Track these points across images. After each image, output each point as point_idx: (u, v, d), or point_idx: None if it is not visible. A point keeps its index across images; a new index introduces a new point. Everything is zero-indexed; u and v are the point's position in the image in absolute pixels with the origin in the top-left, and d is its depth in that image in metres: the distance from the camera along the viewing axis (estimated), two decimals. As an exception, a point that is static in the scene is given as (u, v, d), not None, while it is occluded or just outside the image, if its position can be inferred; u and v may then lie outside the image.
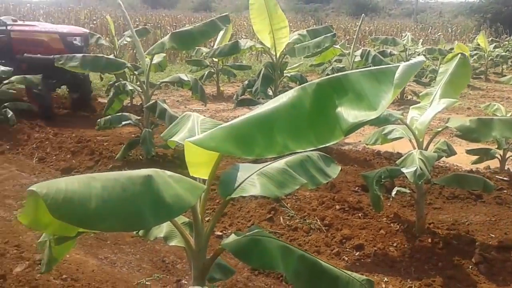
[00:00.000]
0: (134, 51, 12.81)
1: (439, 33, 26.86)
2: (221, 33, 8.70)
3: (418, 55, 10.59)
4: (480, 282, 3.48)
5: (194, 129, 2.38)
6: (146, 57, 5.61)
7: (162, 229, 2.31)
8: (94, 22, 20.83)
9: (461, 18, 37.19)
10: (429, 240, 3.96)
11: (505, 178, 5.48)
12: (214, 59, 10.57)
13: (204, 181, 2.07)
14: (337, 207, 4.53)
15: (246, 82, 7.07)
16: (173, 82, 6.15)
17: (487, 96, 11.73)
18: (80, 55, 5.52)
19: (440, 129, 4.00)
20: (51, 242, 2.03)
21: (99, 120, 5.77)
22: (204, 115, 2.62)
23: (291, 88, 4.77)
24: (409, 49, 11.05)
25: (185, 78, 5.94)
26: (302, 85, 1.74)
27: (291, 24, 6.10)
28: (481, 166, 5.89)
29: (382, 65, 1.75)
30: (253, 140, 1.62)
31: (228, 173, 2.17)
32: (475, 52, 14.98)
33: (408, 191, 4.28)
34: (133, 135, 6.81)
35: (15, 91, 7.13)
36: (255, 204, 4.50)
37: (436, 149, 4.00)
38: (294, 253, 1.94)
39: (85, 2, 34.04)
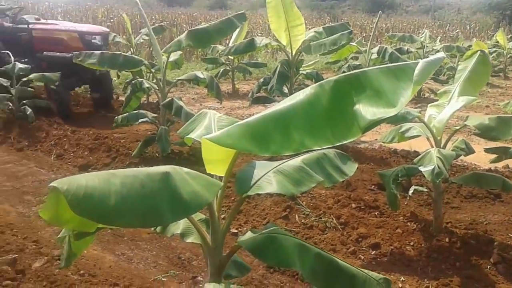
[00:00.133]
0: (151, 49, 12.90)
1: (457, 30, 26.50)
2: (237, 30, 8.69)
3: (436, 52, 10.45)
4: (498, 282, 3.43)
5: (210, 126, 2.39)
6: (162, 55, 5.64)
7: (179, 226, 2.33)
8: (111, 20, 21.01)
9: (480, 15, 36.62)
10: (447, 239, 3.92)
11: (524, 177, 5.39)
12: (229, 56, 10.59)
13: (220, 178, 2.08)
14: (353, 205, 4.51)
15: (262, 79, 7.06)
16: (189, 80, 6.17)
17: (506, 94, 11.55)
18: (99, 52, 5.57)
19: (458, 127, 3.95)
20: (71, 237, 2.05)
21: (116, 117, 5.83)
22: (220, 113, 2.63)
23: (307, 85, 4.75)
24: (427, 46, 10.91)
25: (201, 76, 5.96)
26: (319, 82, 1.73)
27: (306, 22, 6.08)
28: (500, 165, 5.79)
29: (399, 62, 1.73)
30: (270, 137, 1.62)
31: (244, 171, 2.17)
32: (494, 49, 14.73)
33: (426, 190, 4.23)
34: (149, 133, 6.86)
35: (33, 89, 7.24)
36: (270, 202, 4.50)
37: (454, 147, 3.95)
38: (310, 251, 1.94)
39: (102, 0, 34.33)
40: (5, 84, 6.99)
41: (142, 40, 9.97)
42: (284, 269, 3.60)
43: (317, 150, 2.11)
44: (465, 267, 3.61)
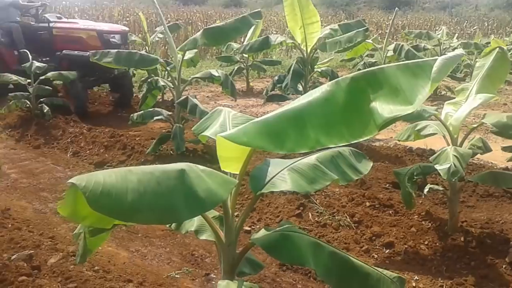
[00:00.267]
0: (166, 48, 12.97)
1: (475, 27, 26.14)
2: (252, 28, 8.69)
3: (453, 49, 10.33)
4: (515, 282, 3.39)
5: (225, 124, 2.39)
6: (178, 53, 5.67)
7: (193, 223, 2.34)
8: (127, 19, 21.15)
9: (498, 11, 36.06)
10: (462, 238, 3.87)
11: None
12: (244, 54, 10.59)
13: (234, 175, 2.08)
14: (367, 204, 4.49)
15: (276, 77, 7.04)
16: (204, 78, 6.19)
17: (524, 92, 11.36)
18: (115, 50, 5.61)
19: (475, 125, 3.90)
20: (86, 234, 2.08)
21: (132, 115, 5.87)
22: (234, 110, 2.63)
23: (321, 83, 4.74)
24: (444, 43, 10.78)
25: (216, 74, 5.97)
26: (336, 79, 1.72)
27: (322, 19, 6.05)
28: (517, 164, 5.72)
29: (416, 59, 1.71)
30: (285, 135, 1.62)
31: (258, 168, 2.17)
32: (512, 46, 14.50)
33: (441, 189, 4.19)
34: (164, 130, 6.90)
35: (52, 88, 7.32)
36: (284, 199, 4.50)
37: (471, 145, 3.90)
38: (324, 249, 1.93)
39: (119, -1, 34.58)
40: (23, 83, 7.09)
41: (157, 39, 10.02)
42: (296, 267, 3.60)
43: (332, 148, 2.11)
44: (480, 266, 3.56)
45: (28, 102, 7.22)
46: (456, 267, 3.60)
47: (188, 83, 6.34)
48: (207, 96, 10.48)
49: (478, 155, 4.58)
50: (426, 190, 4.06)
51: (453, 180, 3.53)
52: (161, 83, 6.08)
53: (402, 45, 7.82)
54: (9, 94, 7.26)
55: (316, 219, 4.26)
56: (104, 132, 6.76)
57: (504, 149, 4.43)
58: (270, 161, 2.23)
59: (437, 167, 3.33)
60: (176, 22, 10.53)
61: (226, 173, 2.03)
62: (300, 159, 2.20)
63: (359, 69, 8.05)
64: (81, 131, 6.91)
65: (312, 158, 2.19)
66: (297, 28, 6.12)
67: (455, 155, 3.33)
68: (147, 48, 10.28)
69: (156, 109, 6.05)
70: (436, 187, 4.16)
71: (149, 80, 6.26)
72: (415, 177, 3.83)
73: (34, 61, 7.13)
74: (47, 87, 7.20)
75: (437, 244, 3.86)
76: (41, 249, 3.50)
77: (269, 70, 12.88)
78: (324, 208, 4.40)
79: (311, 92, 1.73)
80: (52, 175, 5.51)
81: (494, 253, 3.70)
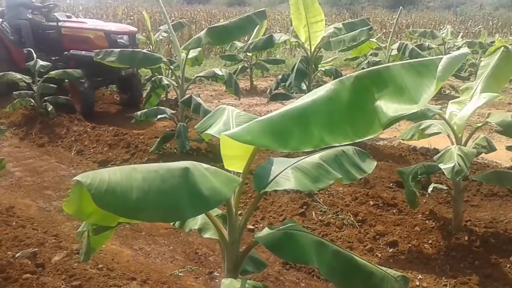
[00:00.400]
0: (170, 46, 12.98)
1: (480, 26, 26.04)
2: (255, 29, 8.67)
3: (458, 48, 10.28)
4: (519, 282, 3.38)
5: (229, 122, 2.39)
6: (182, 52, 5.67)
7: (197, 221, 2.34)
8: (131, 18, 21.20)
9: (503, 10, 35.93)
10: (466, 238, 3.86)
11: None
12: (248, 53, 10.58)
13: (238, 174, 2.08)
14: (371, 203, 4.48)
15: (280, 76, 7.04)
16: (207, 77, 6.19)
17: (529, 91, 11.30)
18: (118, 49, 5.62)
19: (480, 125, 3.88)
20: (90, 232, 2.08)
21: (136, 113, 5.88)
22: (237, 109, 2.63)
23: (325, 82, 4.73)
24: (448, 42, 10.74)
25: (220, 73, 5.97)
26: (340, 78, 1.72)
27: (326, 18, 6.02)
28: (522, 163, 5.69)
29: (420, 58, 1.71)
30: (289, 133, 1.62)
31: (262, 167, 2.17)
32: (517, 45, 14.42)
33: (445, 188, 4.18)
34: (167, 129, 6.91)
35: (55, 86, 7.32)
36: (287, 198, 4.50)
37: (475, 145, 3.89)
38: (328, 248, 1.93)
39: (122, -2, 34.63)
40: (28, 81, 7.11)
41: (161, 37, 10.01)
42: (300, 265, 3.60)
43: (336, 147, 2.11)
44: (484, 266, 3.56)
45: (33, 101, 7.24)
46: (460, 266, 3.59)
47: (192, 81, 6.34)
48: (211, 95, 10.48)
49: (483, 154, 4.57)
50: (430, 189, 4.05)
51: (457, 179, 3.52)
52: (165, 81, 6.08)
53: (406, 44, 7.79)
54: (14, 92, 7.27)
55: (319, 218, 4.26)
56: (108, 131, 6.78)
57: (509, 148, 4.41)
58: (273, 160, 2.23)
59: (441, 166, 3.32)
60: (180, 21, 10.50)
61: (229, 171, 2.03)
62: (304, 158, 2.20)
63: (363, 68, 8.02)
64: (85, 129, 6.93)
65: (315, 157, 2.19)
66: (301, 27, 6.12)
67: (459, 154, 3.32)
68: (151, 47, 10.27)
69: (160, 107, 6.06)
70: (440, 186, 4.15)
71: (153, 79, 6.26)
72: (419, 176, 3.82)
73: (38, 60, 7.14)
74: (51, 85, 7.20)
75: (441, 243, 3.85)
76: (45, 247, 3.51)
77: (273, 69, 12.87)
78: (328, 207, 4.39)
79: (315, 91, 1.73)
80: (56, 173, 5.53)
81: (498, 252, 3.70)
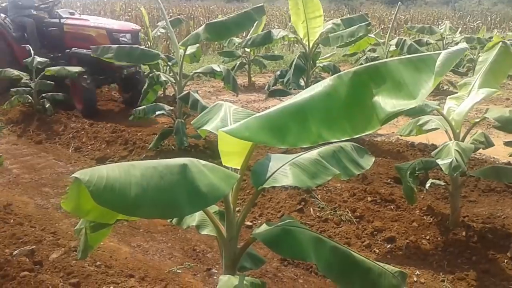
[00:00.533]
0: (168, 42, 12.95)
1: (478, 22, 26.03)
2: (254, 24, 8.65)
3: (456, 44, 10.27)
4: (516, 277, 3.39)
5: (226, 118, 2.38)
6: (180, 48, 5.65)
7: (194, 218, 2.34)
8: (129, 14, 21.13)
9: (501, 6, 35.90)
10: (463, 233, 3.87)
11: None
12: (246, 49, 10.56)
13: (236, 170, 2.07)
14: (369, 199, 4.48)
15: (278, 72, 7.04)
16: (205, 73, 6.18)
17: (527, 87, 11.31)
18: (116, 46, 5.61)
19: (478, 120, 3.88)
20: (87, 229, 2.07)
21: (134, 110, 5.87)
22: (236, 106, 2.62)
23: (324, 78, 4.72)
24: (446, 38, 10.73)
25: (218, 69, 5.95)
26: (338, 74, 1.71)
27: (324, 14, 6.01)
28: (520, 158, 5.70)
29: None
30: (287, 129, 1.61)
31: (260, 163, 2.17)
32: (515, 41, 14.41)
33: (443, 184, 4.18)
34: (165, 126, 6.90)
35: (55, 83, 7.29)
36: (285, 195, 4.50)
37: (473, 140, 3.89)
38: (326, 244, 1.93)
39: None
40: (25, 78, 7.08)
41: (159, 34, 9.98)
42: (298, 262, 3.60)
43: (334, 142, 2.10)
44: (482, 261, 3.57)
45: (30, 98, 7.22)
46: (458, 262, 3.60)
47: (190, 78, 6.32)
48: (209, 91, 10.47)
49: (480, 150, 4.56)
50: (428, 185, 4.05)
51: (455, 175, 3.51)
52: (163, 78, 6.07)
53: (405, 39, 7.78)
54: (11, 89, 7.24)
55: (317, 214, 4.26)
56: (105, 128, 6.76)
57: (507, 144, 4.41)
58: (271, 156, 2.23)
59: (439, 162, 3.32)
60: (178, 17, 10.48)
61: (227, 168, 2.02)
62: (302, 154, 2.19)
63: (361, 64, 8.02)
64: (82, 126, 6.92)
65: (313, 153, 2.18)
66: (299, 23, 6.10)
67: (457, 150, 3.32)
68: (149, 43, 10.25)
69: (158, 104, 6.05)
70: (438, 182, 4.16)
71: (150, 75, 6.25)
72: (417, 172, 3.82)
73: (36, 56, 7.11)
74: (48, 82, 7.18)
75: (439, 239, 3.86)
76: (43, 245, 3.50)
77: (271, 65, 12.84)
78: (326, 203, 4.40)
79: (313, 87, 1.72)
80: (54, 170, 5.52)
81: (496, 248, 3.70)
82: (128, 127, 6.79)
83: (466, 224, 4.00)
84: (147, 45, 10.08)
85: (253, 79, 11.57)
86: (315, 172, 2.05)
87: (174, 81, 5.96)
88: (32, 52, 7.32)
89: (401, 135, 4.31)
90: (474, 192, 4.89)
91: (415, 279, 3.40)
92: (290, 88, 6.37)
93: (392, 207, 4.40)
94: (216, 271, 3.48)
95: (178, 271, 3.45)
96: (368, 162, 2.30)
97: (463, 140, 3.77)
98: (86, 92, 7.64)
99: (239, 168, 2.06)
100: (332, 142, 1.91)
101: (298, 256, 2.13)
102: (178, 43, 5.70)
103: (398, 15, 20.02)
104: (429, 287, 3.33)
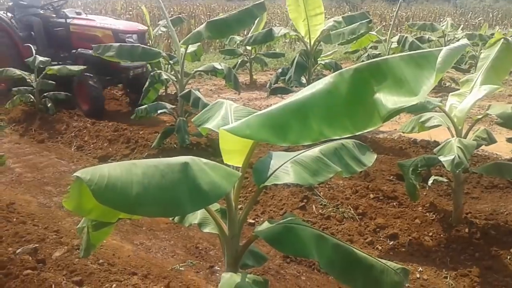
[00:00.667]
0: (169, 41, 12.95)
1: (480, 18, 25.95)
2: (255, 22, 8.64)
3: (457, 41, 10.24)
4: (519, 273, 3.39)
5: (227, 117, 2.38)
6: (181, 47, 5.65)
7: (196, 216, 2.34)
8: (130, 12, 21.13)
9: (503, 2, 35.80)
10: (466, 230, 3.87)
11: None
12: (247, 47, 10.54)
13: (237, 168, 2.08)
14: (371, 196, 4.48)
15: (280, 70, 7.03)
16: (207, 71, 6.17)
17: (529, 83, 11.28)
18: (117, 44, 5.60)
19: (480, 117, 3.87)
20: (89, 228, 2.08)
21: (136, 109, 5.87)
22: (237, 104, 2.62)
23: (325, 76, 4.72)
24: (448, 34, 10.71)
25: (219, 67, 5.95)
26: (339, 71, 1.71)
27: (325, 11, 6.02)
28: (523, 155, 5.69)
29: (420, 51, 1.70)
30: (288, 127, 1.61)
31: (261, 161, 2.17)
32: (518, 37, 14.36)
33: (445, 180, 4.18)
34: (167, 124, 6.90)
35: (54, 82, 7.28)
36: (288, 192, 4.50)
37: (475, 137, 3.88)
38: (328, 241, 1.93)
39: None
40: (27, 78, 7.09)
41: (160, 32, 9.98)
42: (300, 259, 3.60)
43: (336, 140, 2.10)
44: (485, 257, 3.56)
45: (32, 97, 7.23)
46: (460, 258, 3.60)
47: (191, 76, 6.32)
48: (211, 90, 10.46)
49: (483, 147, 4.54)
50: (430, 181, 4.05)
51: (457, 171, 3.51)
52: (164, 76, 6.07)
53: (406, 36, 7.77)
54: (13, 88, 7.24)
55: (320, 211, 4.26)
56: (107, 126, 6.77)
57: (509, 140, 4.40)
58: (273, 154, 2.23)
59: (441, 158, 3.32)
60: (179, 15, 10.47)
61: (228, 166, 2.02)
62: (304, 152, 2.19)
63: (362, 61, 8.01)
64: (84, 125, 6.92)
65: (315, 151, 2.18)
66: (300, 20, 6.09)
67: (459, 147, 3.31)
68: (150, 41, 10.25)
69: (160, 102, 6.05)
70: (440, 178, 4.15)
71: (151, 73, 6.25)
72: (419, 169, 3.82)
73: (37, 56, 7.12)
74: (50, 81, 7.18)
75: (441, 235, 3.86)
76: (46, 243, 3.51)
77: (272, 63, 12.83)
78: (328, 200, 4.40)
79: (314, 84, 1.72)
80: (56, 169, 5.53)
81: (499, 244, 3.70)
82: (130, 125, 6.80)
83: (469, 220, 3.99)
84: (149, 44, 10.07)
85: (254, 77, 11.57)
86: (316, 170, 2.05)
87: (175, 80, 5.96)
88: (34, 51, 7.31)
89: (403, 132, 4.30)
90: (477, 189, 4.88)
91: (418, 275, 3.40)
92: (291, 86, 6.36)
93: (394, 204, 4.40)
94: (218, 268, 3.49)
95: (181, 268, 3.46)
96: (370, 159, 2.30)
97: (465, 137, 3.76)
98: (93, 93, 7.53)
99: (240, 166, 2.06)
100: (333, 140, 1.91)
101: (300, 254, 2.14)
102: (179, 41, 5.70)
103: (400, 12, 19.99)
104: (432, 283, 3.33)
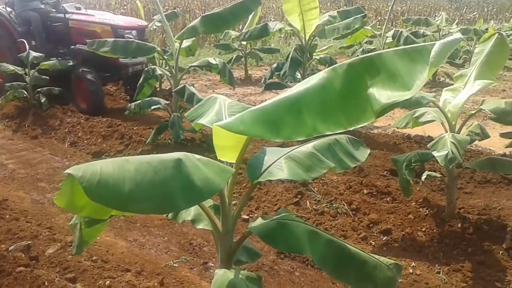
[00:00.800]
0: (164, 36, 12.88)
1: (474, 13, 26.00)
2: (250, 16, 8.60)
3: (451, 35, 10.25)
4: (511, 267, 3.41)
5: (221, 112, 2.36)
6: (175, 42, 5.62)
7: (190, 212, 2.34)
8: (125, 7, 20.99)
9: (497, -3, 35.87)
10: (459, 225, 3.89)
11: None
12: (242, 42, 10.51)
13: (231, 164, 2.07)
14: (365, 191, 4.49)
15: (275, 65, 7.01)
16: (201, 66, 6.15)
17: (523, 78, 11.31)
18: (112, 39, 5.57)
19: (474, 112, 3.88)
20: (82, 225, 2.07)
21: (129, 105, 5.85)
22: (232, 99, 2.61)
23: (320, 71, 4.71)
24: (443, 29, 10.71)
25: (214, 62, 5.93)
26: (333, 66, 1.70)
27: (320, 6, 6.01)
28: (515, 150, 5.71)
29: (414, 45, 1.70)
30: (282, 122, 1.60)
31: (255, 157, 2.16)
32: (511, 32, 14.41)
33: (439, 176, 4.19)
34: (162, 120, 6.88)
35: (48, 77, 7.22)
36: (282, 188, 4.50)
37: (469, 132, 3.89)
38: (321, 237, 1.93)
39: (115, -13, 34.21)
40: (20, 73, 7.03)
41: (155, 27, 9.90)
42: (294, 255, 3.61)
43: (329, 135, 2.09)
44: (477, 252, 3.58)
45: (25, 92, 7.18)
46: (453, 253, 3.62)
47: (186, 71, 6.30)
48: (205, 85, 10.43)
49: (476, 142, 4.57)
50: (423, 177, 4.06)
51: (451, 166, 3.52)
52: (158, 72, 6.04)
53: (401, 31, 7.77)
54: (6, 84, 7.18)
55: (314, 207, 4.26)
56: (101, 122, 6.74)
57: (502, 135, 4.41)
58: (267, 150, 2.22)
59: (435, 154, 3.32)
60: (174, 10, 10.44)
61: (222, 162, 2.02)
62: (297, 147, 2.19)
63: (357, 56, 8.01)
64: (78, 121, 6.89)
65: (309, 146, 2.18)
66: (295, 15, 6.07)
67: (452, 142, 3.32)
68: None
69: (154, 98, 6.02)
70: (433, 174, 4.16)
71: (146, 69, 6.22)
72: (413, 164, 3.82)
73: (30, 51, 7.05)
74: (43, 76, 7.13)
75: (434, 230, 3.87)
76: (39, 240, 3.50)
77: (267, 58, 12.80)
78: (322, 196, 4.40)
79: (309, 79, 1.71)
80: (49, 165, 5.51)
81: (491, 239, 3.72)
82: (124, 121, 6.76)
83: (462, 215, 4.01)
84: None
85: (249, 72, 11.54)
86: (310, 165, 2.05)
87: (170, 75, 5.93)
88: (28, 47, 7.23)
89: (397, 128, 4.31)
90: (470, 184, 4.90)
91: (410, 271, 3.42)
92: (286, 81, 6.35)
93: (388, 199, 4.41)
94: (212, 264, 3.49)
95: (174, 265, 3.45)
96: (363, 154, 2.30)
97: (459, 132, 3.77)
98: (93, 90, 7.38)
99: (234, 162, 2.05)
100: (327, 135, 1.90)
101: (294, 250, 2.14)
102: (174, 36, 5.67)
103: (395, 7, 19.98)
104: (425, 278, 3.34)
